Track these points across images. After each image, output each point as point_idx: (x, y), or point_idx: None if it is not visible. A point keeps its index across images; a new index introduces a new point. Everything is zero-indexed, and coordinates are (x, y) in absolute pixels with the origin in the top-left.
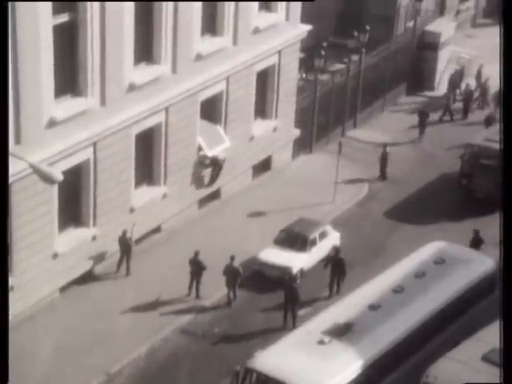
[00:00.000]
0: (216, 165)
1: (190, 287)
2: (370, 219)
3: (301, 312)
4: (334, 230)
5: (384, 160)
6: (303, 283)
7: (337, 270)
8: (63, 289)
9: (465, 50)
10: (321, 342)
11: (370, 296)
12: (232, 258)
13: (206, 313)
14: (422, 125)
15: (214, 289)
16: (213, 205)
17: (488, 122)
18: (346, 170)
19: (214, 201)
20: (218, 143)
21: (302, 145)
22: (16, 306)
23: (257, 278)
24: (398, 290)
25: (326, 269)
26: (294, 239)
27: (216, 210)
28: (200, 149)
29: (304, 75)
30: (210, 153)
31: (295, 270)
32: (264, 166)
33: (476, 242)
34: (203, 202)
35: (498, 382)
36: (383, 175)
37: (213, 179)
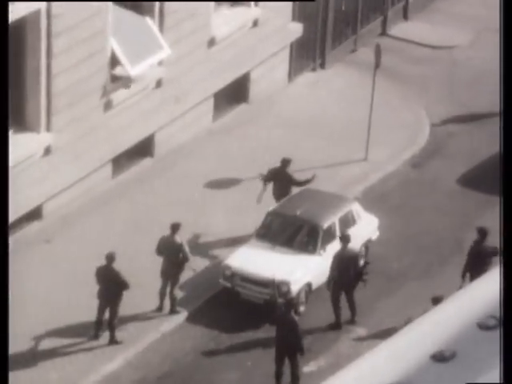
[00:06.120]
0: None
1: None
2: (433, 191)
3: (307, 367)
4: (368, 213)
5: None
6: (311, 311)
7: (345, 279)
8: None
9: None
10: None
11: (435, 337)
12: (173, 228)
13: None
14: None
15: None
16: (141, 167)
17: None
18: (390, 97)
19: (143, 159)
20: (150, 52)
21: (308, 53)
22: None
23: (225, 303)
24: (490, 325)
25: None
26: (294, 230)
27: (147, 177)
28: (115, 63)
29: None
30: (134, 70)
31: (296, 288)
32: (235, 95)
33: (477, 255)
34: (125, 162)
35: None
36: None
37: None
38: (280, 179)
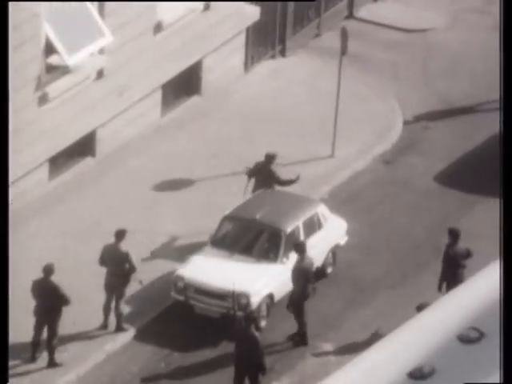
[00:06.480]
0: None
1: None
2: (407, 190)
3: None
4: (336, 215)
5: None
6: (274, 326)
7: (306, 292)
8: None
9: None
10: None
11: (412, 352)
12: (118, 236)
13: None
14: None
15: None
16: (82, 167)
17: None
18: (358, 87)
19: (84, 159)
20: (89, 39)
21: (266, 39)
22: None
23: (177, 318)
24: (471, 337)
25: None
26: (254, 236)
27: (88, 178)
28: (50, 51)
29: None
30: (71, 60)
31: (257, 300)
32: (186, 86)
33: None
34: (63, 162)
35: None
36: None
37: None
38: (263, 175)
